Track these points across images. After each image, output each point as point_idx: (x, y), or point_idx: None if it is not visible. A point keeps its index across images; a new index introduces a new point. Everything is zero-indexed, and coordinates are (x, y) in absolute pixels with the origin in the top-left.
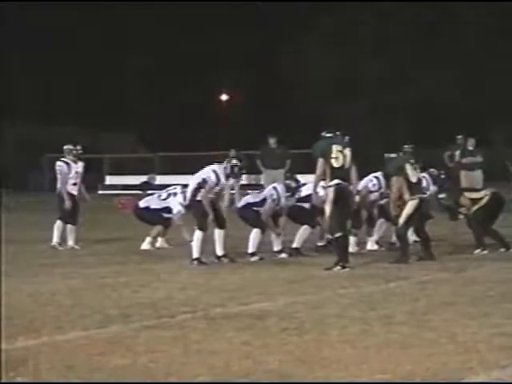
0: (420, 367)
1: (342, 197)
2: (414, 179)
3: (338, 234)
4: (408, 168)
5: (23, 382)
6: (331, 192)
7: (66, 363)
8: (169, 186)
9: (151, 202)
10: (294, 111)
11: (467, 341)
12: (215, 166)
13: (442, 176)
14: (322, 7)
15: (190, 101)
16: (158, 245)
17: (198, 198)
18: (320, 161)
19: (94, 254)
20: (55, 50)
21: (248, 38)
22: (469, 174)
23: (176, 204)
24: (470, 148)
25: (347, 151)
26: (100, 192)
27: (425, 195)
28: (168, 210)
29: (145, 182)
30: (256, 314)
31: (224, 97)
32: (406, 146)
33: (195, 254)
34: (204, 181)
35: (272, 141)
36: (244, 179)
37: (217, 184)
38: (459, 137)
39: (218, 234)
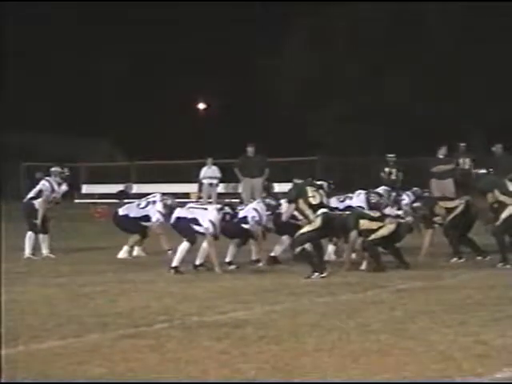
0: (397, 375)
1: (328, 225)
2: (376, 214)
3: (297, 250)
4: (367, 214)
5: (25, 382)
6: (319, 219)
7: (43, 372)
8: (145, 195)
9: (130, 210)
10: (272, 119)
11: (444, 349)
12: (213, 216)
13: (426, 194)
14: (299, 10)
15: (167, 109)
16: (134, 254)
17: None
18: (290, 206)
19: (70, 262)
20: (28, 55)
21: (224, 45)
22: (440, 183)
23: (155, 212)
24: (441, 156)
25: (322, 192)
26: (76, 201)
27: (403, 220)
28: (147, 218)
29: (121, 191)
30: (233, 323)
31: (201, 105)
32: (389, 156)
33: (175, 263)
34: (198, 224)
35: (250, 149)
36: (221, 188)
37: (212, 233)
38: (461, 144)
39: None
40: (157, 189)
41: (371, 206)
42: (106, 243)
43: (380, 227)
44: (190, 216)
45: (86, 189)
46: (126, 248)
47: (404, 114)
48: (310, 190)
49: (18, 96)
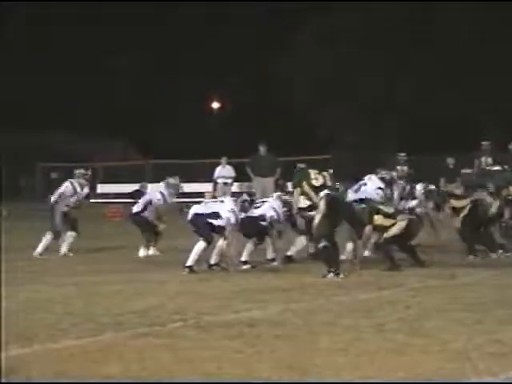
0: (412, 374)
1: (332, 206)
2: (390, 210)
3: (322, 244)
4: (382, 209)
5: (24, 382)
6: (322, 202)
7: (58, 371)
8: None
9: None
10: (286, 118)
11: (459, 348)
12: (232, 205)
13: (442, 190)
14: (311, 10)
15: (181, 108)
16: (150, 253)
17: (199, 211)
18: (296, 190)
19: (85, 262)
20: (40, 53)
21: (235, 44)
22: (447, 186)
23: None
24: (451, 166)
25: (326, 173)
26: (92, 200)
27: (413, 217)
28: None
29: (136, 191)
30: (248, 322)
31: (215, 104)
32: (400, 154)
33: (189, 262)
34: (219, 217)
35: (262, 149)
36: (236, 187)
37: (233, 223)
38: (484, 143)
39: (222, 244)
40: None
41: (386, 182)
42: (121, 243)
43: (392, 224)
44: (208, 211)
45: (100, 188)
46: (143, 247)
47: (416, 113)
48: (312, 173)
49: (31, 96)
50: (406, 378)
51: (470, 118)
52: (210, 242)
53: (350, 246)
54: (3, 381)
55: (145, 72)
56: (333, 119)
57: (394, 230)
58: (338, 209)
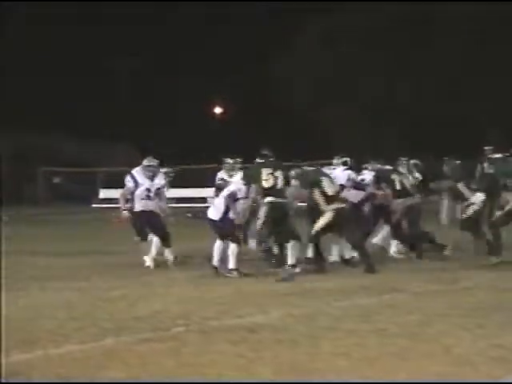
0: (414, 379)
1: (273, 213)
2: (330, 192)
3: (263, 247)
4: (324, 181)
5: (23, 382)
6: (263, 209)
7: (60, 377)
8: None
9: None
10: (285, 118)
11: (461, 352)
12: (239, 183)
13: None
14: (312, 10)
15: (183, 114)
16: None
17: (230, 215)
18: (252, 187)
19: (89, 266)
20: (40, 53)
21: (238, 43)
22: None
23: None
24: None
25: (279, 173)
26: (94, 205)
27: (344, 205)
28: None
29: None
30: (250, 327)
31: (218, 109)
32: (402, 159)
33: (232, 266)
34: (232, 194)
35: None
36: None
37: (246, 197)
38: (487, 148)
39: (218, 245)
40: (174, 193)
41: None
42: (124, 247)
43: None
44: (225, 202)
45: (103, 193)
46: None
47: (416, 113)
48: (264, 172)
49: (31, 96)
50: (409, 378)
51: (470, 118)
52: (239, 242)
53: (335, 249)
54: (3, 381)
55: (145, 72)
56: (333, 119)
57: (320, 221)
58: (278, 217)
